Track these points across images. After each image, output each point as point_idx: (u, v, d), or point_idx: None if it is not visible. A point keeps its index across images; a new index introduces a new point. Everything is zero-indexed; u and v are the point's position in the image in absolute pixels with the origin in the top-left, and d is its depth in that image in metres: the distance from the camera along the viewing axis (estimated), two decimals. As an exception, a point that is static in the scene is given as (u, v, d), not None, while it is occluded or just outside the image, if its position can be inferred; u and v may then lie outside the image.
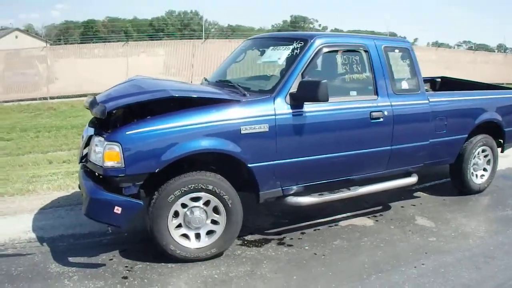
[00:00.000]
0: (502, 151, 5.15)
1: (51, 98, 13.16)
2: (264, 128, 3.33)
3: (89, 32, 44.54)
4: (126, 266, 3.24)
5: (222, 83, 3.99)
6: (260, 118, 3.33)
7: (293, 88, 3.46)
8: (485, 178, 4.93)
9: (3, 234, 3.71)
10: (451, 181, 4.95)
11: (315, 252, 3.51)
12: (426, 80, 5.93)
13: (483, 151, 4.84)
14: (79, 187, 3.49)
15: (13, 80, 12.89)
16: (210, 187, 3.22)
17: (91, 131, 3.34)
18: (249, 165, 3.33)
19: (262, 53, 4.07)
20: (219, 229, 3.33)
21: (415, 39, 56.12)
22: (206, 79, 4.35)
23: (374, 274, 3.19)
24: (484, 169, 4.94)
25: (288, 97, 3.45)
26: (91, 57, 14.87)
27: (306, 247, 3.59)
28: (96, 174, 3.25)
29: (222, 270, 3.22)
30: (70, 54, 14.86)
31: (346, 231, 3.92)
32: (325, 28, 65.26)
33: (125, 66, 13.78)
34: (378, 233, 3.89)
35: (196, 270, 3.21)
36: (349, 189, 3.88)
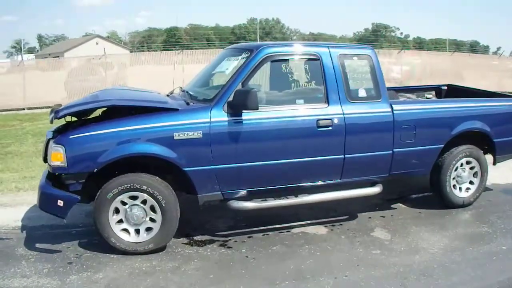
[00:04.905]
0: (494, 164, 4.74)
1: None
2: (198, 134, 3.55)
3: (171, 39, 47.26)
4: (77, 254, 3.67)
5: (184, 92, 4.28)
6: (194, 125, 3.56)
7: (232, 97, 3.64)
8: (471, 191, 4.56)
9: (-3, 221, 4.34)
10: (433, 194, 4.69)
11: (247, 255, 3.62)
12: (431, 88, 5.68)
13: (467, 162, 4.50)
14: None
15: (76, 85, 14.16)
16: (145, 187, 3.52)
17: (50, 134, 3.84)
18: (184, 169, 3.58)
19: (224, 63, 4.29)
20: (156, 226, 3.61)
21: (498, 48, 51.67)
22: (180, 88, 4.63)
23: (288, 281, 3.21)
24: (471, 182, 4.58)
25: (226, 105, 3.64)
26: (168, 63, 15.95)
27: (243, 250, 3.72)
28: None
29: (154, 263, 3.50)
30: (148, 61, 16.16)
31: (292, 238, 3.95)
32: (407, 36, 62.74)
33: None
34: (323, 242, 3.87)
35: (131, 261, 3.52)
36: (296, 197, 3.92)
